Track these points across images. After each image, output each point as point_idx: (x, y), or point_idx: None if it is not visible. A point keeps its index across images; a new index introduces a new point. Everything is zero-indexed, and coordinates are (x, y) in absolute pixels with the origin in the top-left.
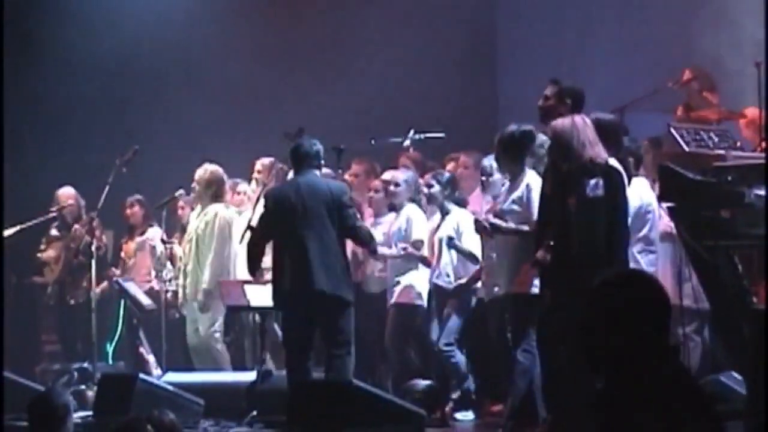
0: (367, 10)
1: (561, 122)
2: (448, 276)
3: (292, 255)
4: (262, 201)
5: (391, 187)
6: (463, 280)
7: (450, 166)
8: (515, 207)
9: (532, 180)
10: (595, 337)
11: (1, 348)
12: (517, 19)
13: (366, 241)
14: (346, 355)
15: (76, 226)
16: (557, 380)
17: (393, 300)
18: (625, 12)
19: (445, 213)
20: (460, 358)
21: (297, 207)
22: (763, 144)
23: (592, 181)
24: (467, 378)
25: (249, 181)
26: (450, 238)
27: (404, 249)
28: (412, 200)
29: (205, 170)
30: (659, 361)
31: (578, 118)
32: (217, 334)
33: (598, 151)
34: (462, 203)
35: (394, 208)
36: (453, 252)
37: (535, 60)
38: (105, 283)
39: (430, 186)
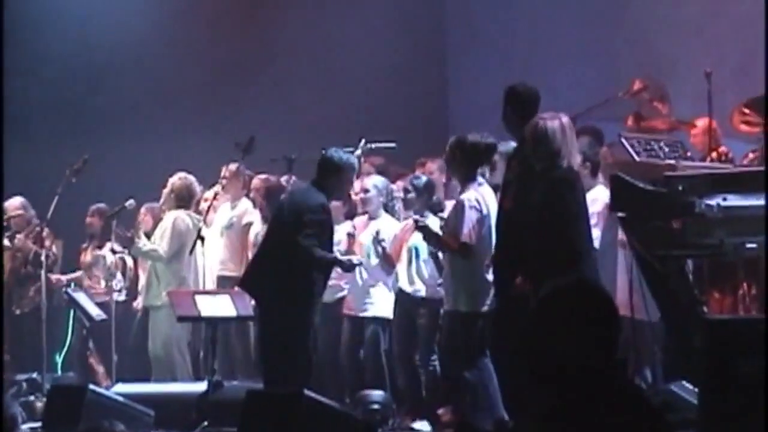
0: (320, 21)
1: (551, 124)
2: (414, 284)
3: (268, 268)
4: (236, 211)
5: (361, 194)
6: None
7: (419, 171)
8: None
9: (469, 196)
10: (541, 349)
11: (0, 349)
12: (468, 27)
13: (306, 263)
14: (302, 369)
15: (19, 236)
16: (517, 394)
17: (367, 313)
18: (575, 21)
19: None
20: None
21: (277, 219)
22: (713, 154)
23: (544, 187)
24: (438, 389)
25: (209, 188)
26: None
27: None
28: (385, 207)
29: (178, 178)
30: (605, 374)
31: (565, 119)
32: (183, 346)
33: (577, 160)
34: (438, 208)
35: (352, 216)
36: (422, 261)
37: (485, 69)
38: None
39: (407, 191)
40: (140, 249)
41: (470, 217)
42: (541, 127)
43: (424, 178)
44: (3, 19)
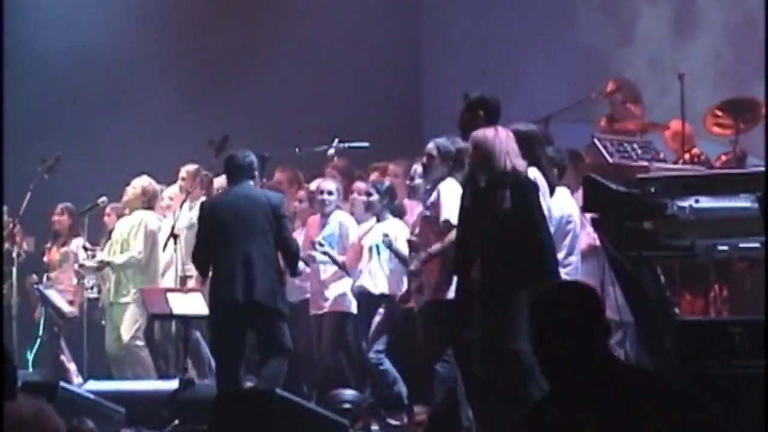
0: (292, 19)
1: (483, 133)
2: (375, 282)
3: (229, 265)
4: (195, 212)
5: (325, 196)
6: (387, 291)
7: (374, 176)
8: (427, 212)
9: (445, 184)
10: (542, 349)
11: (0, 347)
12: (443, 29)
13: (291, 257)
14: (280, 363)
15: None
16: (480, 390)
17: (327, 309)
18: (550, 22)
19: (379, 221)
20: (388, 365)
21: (233, 218)
22: (686, 156)
23: (503, 193)
24: (395, 384)
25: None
26: (386, 235)
27: (325, 253)
28: (338, 208)
29: (144, 180)
30: (603, 364)
31: (501, 129)
32: (140, 342)
33: (519, 163)
34: (398, 212)
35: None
36: (383, 259)
37: (460, 70)
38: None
39: (369, 194)
40: (117, 264)
41: (453, 198)
42: (474, 135)
43: (386, 183)
44: (2, 19)
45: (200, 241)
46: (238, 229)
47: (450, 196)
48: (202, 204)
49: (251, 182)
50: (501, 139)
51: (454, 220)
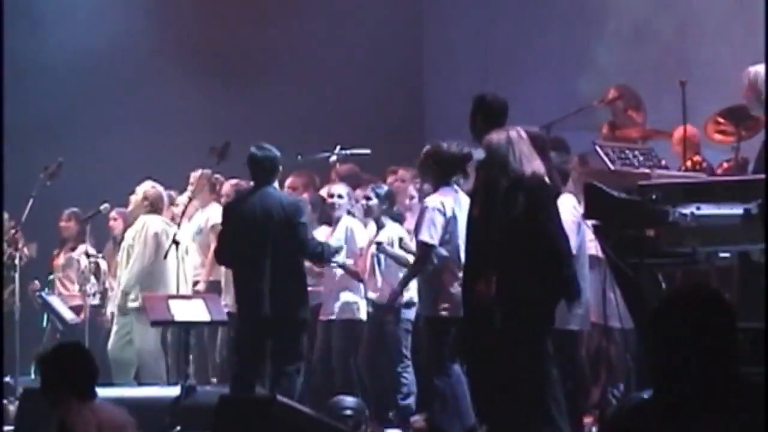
0: (294, 27)
1: (496, 137)
2: (379, 291)
3: (246, 273)
4: (204, 217)
5: (335, 199)
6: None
7: (391, 178)
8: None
9: (433, 199)
10: (667, 354)
11: (0, 349)
12: (444, 36)
13: (314, 257)
14: (296, 372)
15: None
16: (492, 396)
17: (335, 316)
18: (551, 29)
19: (380, 227)
20: (411, 376)
21: (251, 225)
22: (688, 163)
23: (516, 199)
24: (410, 396)
25: (182, 192)
26: (379, 243)
27: (341, 266)
28: (348, 212)
29: (151, 186)
30: (730, 368)
31: (513, 132)
32: (154, 348)
33: (537, 166)
34: (398, 218)
35: (329, 221)
36: (383, 268)
37: (462, 77)
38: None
39: (368, 198)
40: (131, 279)
41: (431, 218)
42: (487, 140)
43: (385, 187)
44: (3, 20)
45: (222, 242)
46: (253, 237)
47: (432, 216)
48: (225, 206)
49: (270, 188)
50: (513, 142)
51: (432, 241)
